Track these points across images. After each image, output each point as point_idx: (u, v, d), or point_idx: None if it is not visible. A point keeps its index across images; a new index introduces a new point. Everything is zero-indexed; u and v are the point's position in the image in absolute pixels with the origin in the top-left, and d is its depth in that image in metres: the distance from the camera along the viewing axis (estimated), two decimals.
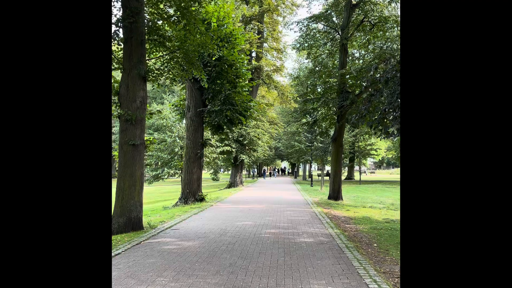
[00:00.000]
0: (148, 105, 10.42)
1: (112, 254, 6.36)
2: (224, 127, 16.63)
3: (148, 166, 25.14)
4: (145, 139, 10.11)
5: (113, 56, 9.88)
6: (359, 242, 7.60)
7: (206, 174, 60.50)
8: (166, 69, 10.98)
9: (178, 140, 24.26)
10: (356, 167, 50.89)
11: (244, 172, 53.68)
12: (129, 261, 5.87)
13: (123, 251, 6.61)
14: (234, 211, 12.64)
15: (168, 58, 10.94)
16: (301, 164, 51.28)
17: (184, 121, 16.78)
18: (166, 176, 26.04)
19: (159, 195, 28.17)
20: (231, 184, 28.51)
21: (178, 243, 7.35)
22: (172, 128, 24.49)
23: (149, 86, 51.52)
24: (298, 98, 21.87)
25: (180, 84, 17.03)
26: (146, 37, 10.11)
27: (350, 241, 7.66)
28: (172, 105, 17.65)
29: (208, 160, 27.32)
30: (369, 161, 72.96)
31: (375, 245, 7.46)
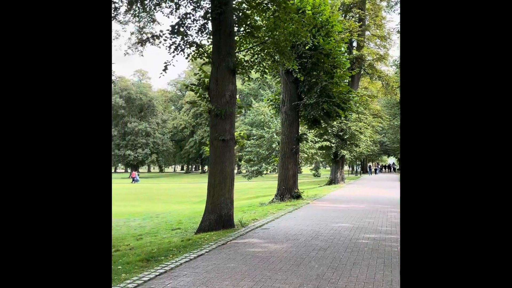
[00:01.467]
0: (238, 99, 10.11)
1: (195, 255, 6.05)
2: (321, 121, 15.73)
3: (245, 162, 25.41)
4: (235, 134, 9.81)
5: (203, 50, 9.74)
6: None
7: (306, 170, 59.84)
8: (256, 61, 10.54)
9: (275, 136, 23.99)
10: None
11: (347, 168, 51.70)
12: (209, 264, 5.48)
13: (206, 252, 6.28)
14: (330, 211, 11.74)
15: (258, 49, 10.48)
16: None
17: (279, 116, 16.31)
18: (265, 172, 26.04)
19: (259, 191, 28.33)
20: (332, 181, 27.36)
21: (264, 245, 6.80)
22: (270, 123, 24.38)
23: (252, 85, 53.13)
24: None
25: (272, 77, 16.60)
26: (235, 28, 9.77)
27: None
28: (268, 100, 17.31)
29: (306, 156, 26.61)
30: None
31: None
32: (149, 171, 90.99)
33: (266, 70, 10.73)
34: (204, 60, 9.85)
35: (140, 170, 76.56)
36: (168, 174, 76.31)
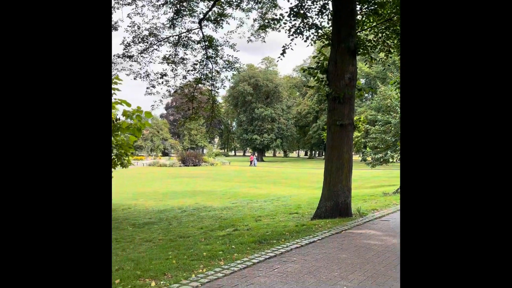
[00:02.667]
0: (360, 82, 9.56)
1: (306, 242, 5.95)
2: None
3: (370, 149, 24.16)
4: (354, 119, 9.32)
5: (322, 32, 9.42)
6: None
7: None
8: (380, 40, 9.78)
9: None
10: None
11: None
12: (319, 252, 5.31)
13: (318, 239, 6.12)
14: None
15: (382, 27, 9.70)
16: None
17: None
18: (391, 160, 24.43)
19: (385, 179, 26.87)
20: None
21: (382, 238, 6.33)
22: (397, 108, 22.54)
23: (378, 67, 50.11)
24: None
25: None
26: (357, 6, 9.19)
27: None
28: (394, 83, 16.08)
29: None
30: None
31: None
32: (274, 155, 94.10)
33: (391, 50, 9.88)
34: (323, 42, 9.53)
35: (266, 154, 79.69)
36: (291, 159, 77.82)
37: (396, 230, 7.01)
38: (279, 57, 9.11)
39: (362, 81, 55.53)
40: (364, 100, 53.81)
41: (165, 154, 73.75)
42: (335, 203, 8.78)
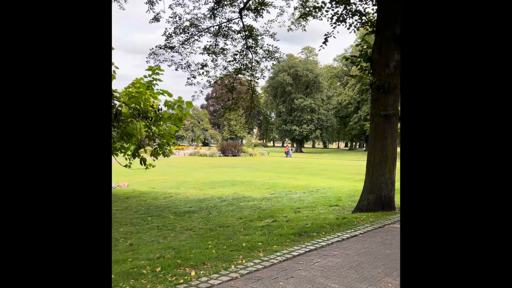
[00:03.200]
0: None
1: (348, 236, 5.78)
2: None
3: None
4: (399, 109, 8.94)
5: (366, 19, 9.07)
6: None
7: None
8: None
9: None
10: None
11: None
12: (361, 247, 5.14)
13: (360, 234, 5.93)
14: None
15: None
16: None
17: None
18: None
19: None
20: None
21: None
22: None
23: None
24: None
25: None
26: None
27: None
28: None
29: None
30: None
31: None
32: (313, 146, 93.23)
33: None
34: (367, 29, 9.17)
35: (304, 145, 79.09)
36: (331, 150, 76.71)
37: None
38: (321, 45, 8.87)
39: None
40: None
41: (205, 144, 75.05)
42: (378, 196, 8.50)
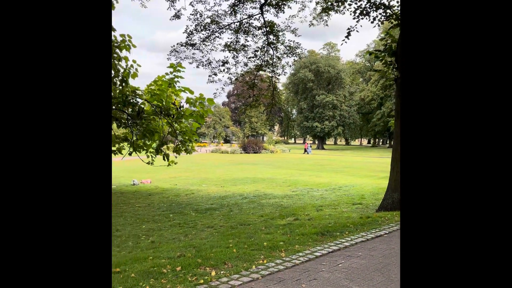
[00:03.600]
0: None
1: (372, 236, 5.61)
2: None
3: None
4: None
5: (391, 12, 8.79)
6: None
7: None
8: None
9: None
10: None
11: None
12: (387, 248, 4.97)
13: (385, 234, 5.75)
14: None
15: None
16: None
17: None
18: None
19: None
20: None
21: None
22: None
23: None
24: None
25: None
26: None
27: None
28: None
29: None
30: None
31: None
32: (335, 143, 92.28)
33: None
34: (391, 22, 8.90)
35: (326, 142, 78.38)
36: (353, 147, 75.76)
37: None
38: (343, 40, 8.65)
39: None
40: None
41: (226, 141, 75.33)
42: None
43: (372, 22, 8.95)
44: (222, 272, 4.06)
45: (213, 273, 4.01)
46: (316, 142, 68.83)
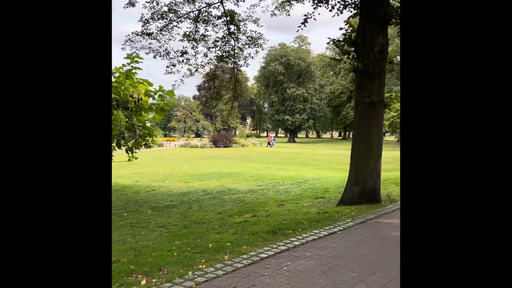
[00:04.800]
0: (392, 54, 8.67)
1: (326, 233, 5.34)
2: None
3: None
4: (385, 96, 8.47)
5: (350, 0, 8.54)
6: None
7: None
8: None
9: None
10: None
11: None
12: (338, 246, 4.70)
13: (340, 230, 5.49)
14: None
15: None
16: None
17: None
18: None
19: None
20: None
21: None
22: None
23: None
24: None
25: None
26: None
27: None
28: None
29: None
30: None
31: None
32: (307, 136, 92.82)
33: None
34: (351, 11, 8.65)
35: (298, 135, 78.68)
36: (324, 140, 76.36)
37: None
38: (299, 26, 8.36)
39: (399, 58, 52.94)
40: (392, 75, 51.38)
41: (197, 135, 74.37)
42: (363, 188, 8.07)
43: (330, 11, 8.67)
44: (154, 280, 3.67)
45: (143, 282, 3.61)
46: (288, 136, 68.94)
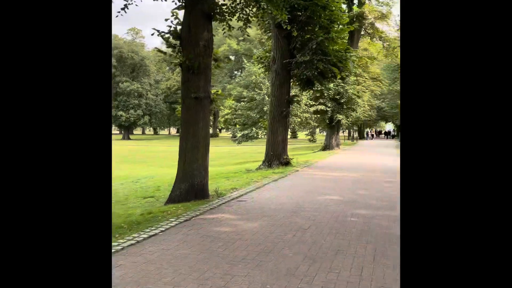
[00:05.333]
0: (218, 51, 8.77)
1: (146, 236, 4.97)
2: (315, 81, 14.36)
3: (232, 126, 24.21)
4: (212, 91, 8.53)
5: None
6: None
7: (302, 135, 58.74)
8: (238, 7, 9.07)
9: (267, 98, 22.57)
10: None
11: (344, 133, 50.71)
12: (156, 250, 4.39)
13: (161, 231, 5.19)
14: (320, 180, 10.68)
15: None
16: None
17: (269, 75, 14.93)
18: (256, 136, 24.89)
19: (252, 155, 27.34)
20: (326, 147, 26.30)
21: (235, 223, 5.72)
22: (261, 85, 22.79)
23: (249, 45, 50.07)
24: None
25: (263, 32, 15.13)
26: None
27: None
28: (257, 57, 15.84)
29: (300, 120, 25.31)
30: None
31: None
32: (143, 133, 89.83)
33: (250, 18, 9.27)
34: (176, 3, 8.40)
35: (134, 131, 75.40)
36: (161, 137, 75.17)
37: (252, 212, 6.51)
38: (119, 12, 7.70)
39: (232, 58, 55.73)
40: (233, 77, 54.22)
41: None
42: (191, 184, 7.95)
43: (155, 0, 8.26)
44: None
45: None
46: (123, 132, 65.32)
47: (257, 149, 32.32)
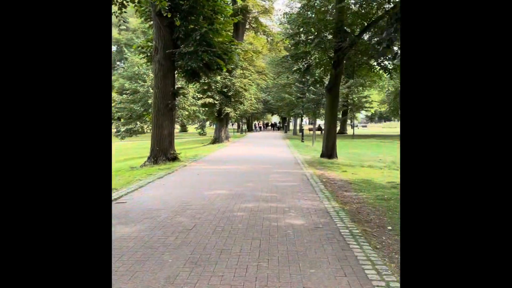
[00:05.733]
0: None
1: None
2: (200, 73, 14.01)
3: (116, 120, 22.69)
4: None
5: None
6: (367, 224, 5.45)
7: (192, 128, 58.04)
8: None
9: (151, 90, 21.51)
10: (349, 121, 48.73)
11: (233, 126, 51.53)
12: None
13: None
14: (208, 174, 10.43)
15: None
16: (291, 118, 49.13)
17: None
18: (140, 130, 23.60)
19: (137, 151, 25.90)
20: (216, 140, 26.24)
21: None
22: (145, 76, 21.64)
23: (128, 34, 47.75)
24: (289, 45, 18.87)
25: (143, 20, 14.24)
26: None
27: (355, 222, 5.50)
28: (138, 47, 14.85)
29: (187, 113, 24.76)
30: (361, 114, 71.28)
31: (390, 227, 5.33)
32: None
33: (125, 3, 8.50)
34: None
35: None
36: None
37: (132, 214, 5.93)
38: None
39: (114, 48, 52.20)
40: (116, 68, 50.81)
41: None
42: None
43: None
44: None
45: None
46: None
47: (143, 144, 30.81)
